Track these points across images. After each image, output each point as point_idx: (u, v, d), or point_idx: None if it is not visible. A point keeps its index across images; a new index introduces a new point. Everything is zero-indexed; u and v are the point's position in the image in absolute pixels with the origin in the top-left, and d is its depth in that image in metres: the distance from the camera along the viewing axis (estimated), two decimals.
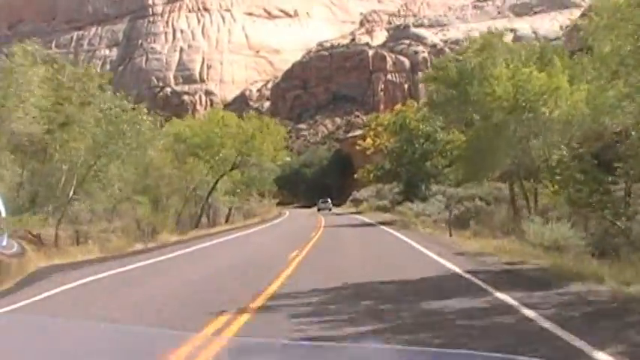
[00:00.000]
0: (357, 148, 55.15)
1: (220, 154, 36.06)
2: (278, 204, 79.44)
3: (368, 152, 50.11)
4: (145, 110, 24.53)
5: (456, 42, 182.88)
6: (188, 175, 32.92)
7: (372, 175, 49.06)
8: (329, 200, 71.38)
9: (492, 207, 27.56)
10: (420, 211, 32.69)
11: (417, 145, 44.29)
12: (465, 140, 27.04)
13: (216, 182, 36.64)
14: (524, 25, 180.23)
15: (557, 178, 17.64)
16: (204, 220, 37.08)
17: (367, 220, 36.47)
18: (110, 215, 25.97)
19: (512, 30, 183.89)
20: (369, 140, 49.22)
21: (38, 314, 8.54)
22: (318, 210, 67.35)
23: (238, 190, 39.69)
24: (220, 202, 38.39)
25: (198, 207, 35.51)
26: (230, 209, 43.49)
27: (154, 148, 25.82)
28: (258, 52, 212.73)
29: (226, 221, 44.19)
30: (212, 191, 35.10)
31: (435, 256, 16.74)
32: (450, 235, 23.55)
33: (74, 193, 21.76)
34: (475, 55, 25.32)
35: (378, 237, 26.86)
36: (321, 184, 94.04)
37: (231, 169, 38.65)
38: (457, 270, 13.73)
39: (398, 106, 52.82)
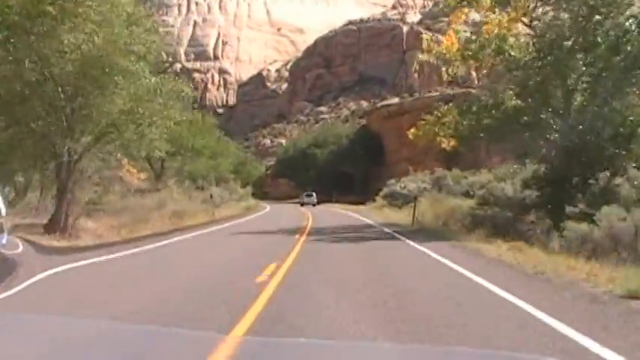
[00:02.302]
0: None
1: None
2: (264, 197, 57.21)
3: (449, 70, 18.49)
4: None
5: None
6: None
7: (460, 124, 17.08)
8: (314, 194, 61.85)
9: None
10: None
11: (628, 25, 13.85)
12: None
13: None
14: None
15: None
16: None
17: None
18: None
19: None
20: (448, 42, 17.77)
21: None
22: (302, 205, 58.38)
23: None
24: None
25: None
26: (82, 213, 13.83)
27: None
28: (279, 30, 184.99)
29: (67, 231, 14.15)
30: None
31: None
32: None
33: None
34: None
35: None
36: (337, 171, 63.24)
37: None
38: None
39: None
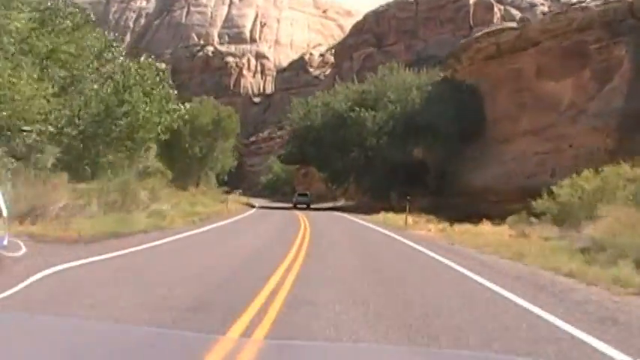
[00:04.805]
0: None
1: None
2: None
3: None
4: None
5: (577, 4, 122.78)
6: None
7: None
8: (308, 194, 51.38)
9: None
10: None
11: None
12: None
13: None
14: None
15: None
16: None
17: None
18: None
19: None
20: None
21: None
22: (295, 205, 48.80)
23: None
24: None
25: None
26: None
27: None
28: (325, 12, 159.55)
29: None
30: None
31: None
32: None
33: None
34: None
35: None
36: (399, 153, 34.67)
37: None
38: None
39: None
